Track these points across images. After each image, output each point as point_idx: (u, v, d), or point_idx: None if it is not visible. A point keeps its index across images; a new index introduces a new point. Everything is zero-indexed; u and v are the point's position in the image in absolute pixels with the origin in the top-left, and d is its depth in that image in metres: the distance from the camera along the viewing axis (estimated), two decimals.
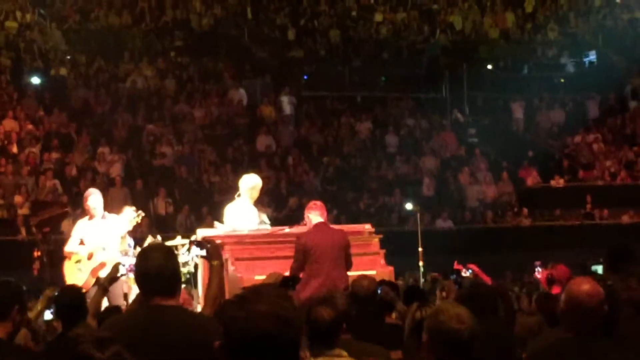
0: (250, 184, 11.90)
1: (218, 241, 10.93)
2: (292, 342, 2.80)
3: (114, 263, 9.22)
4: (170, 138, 24.88)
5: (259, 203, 12.43)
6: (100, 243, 11.63)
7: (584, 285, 5.08)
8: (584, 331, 5.00)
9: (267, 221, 12.45)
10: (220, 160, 24.69)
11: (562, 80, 31.29)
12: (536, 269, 12.15)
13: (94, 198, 11.92)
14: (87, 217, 11.98)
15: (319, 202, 10.97)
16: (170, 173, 24.01)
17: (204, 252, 6.28)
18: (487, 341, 5.22)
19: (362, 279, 8.10)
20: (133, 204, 14.97)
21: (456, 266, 10.75)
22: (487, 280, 11.71)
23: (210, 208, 21.74)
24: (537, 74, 31.38)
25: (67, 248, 11.85)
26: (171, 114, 26.25)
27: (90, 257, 11.62)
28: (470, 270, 11.35)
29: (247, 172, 13.66)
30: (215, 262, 5.97)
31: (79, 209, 17.84)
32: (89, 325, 6.88)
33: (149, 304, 4.86)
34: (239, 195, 11.96)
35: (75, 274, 11.56)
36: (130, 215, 12.34)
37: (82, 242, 11.74)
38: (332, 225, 11.01)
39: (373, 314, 7.71)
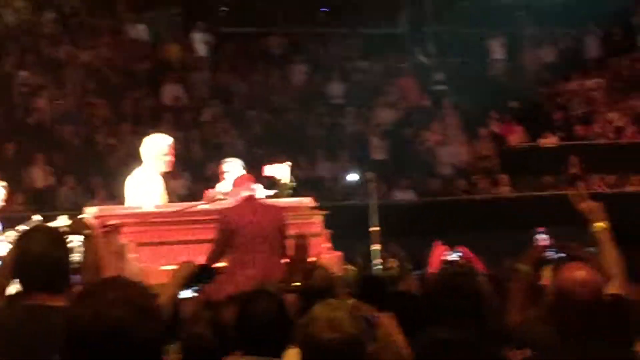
0: (155, 148, 11.64)
1: (114, 221, 10.90)
2: (151, 336, 2.82)
3: None
4: (49, 89, 24.66)
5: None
6: None
7: (578, 272, 5.03)
8: (578, 330, 4.93)
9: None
10: (115, 116, 24.54)
11: (554, 10, 31.37)
12: (538, 235, 12.23)
13: None
14: None
15: (245, 175, 10.91)
16: (49, 134, 23.83)
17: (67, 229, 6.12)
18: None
19: (315, 268, 8.06)
20: (2, 173, 14.78)
21: (438, 247, 10.59)
22: (481, 266, 11.71)
23: (103, 178, 21.61)
24: (521, 1, 31.38)
25: None
26: (50, 58, 26.02)
27: None
28: (458, 253, 11.23)
29: (150, 132, 13.45)
30: (85, 232, 5.84)
31: None
32: None
33: (24, 303, 4.78)
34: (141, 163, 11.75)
35: None
36: None
37: None
38: (264, 200, 10.95)
39: None
